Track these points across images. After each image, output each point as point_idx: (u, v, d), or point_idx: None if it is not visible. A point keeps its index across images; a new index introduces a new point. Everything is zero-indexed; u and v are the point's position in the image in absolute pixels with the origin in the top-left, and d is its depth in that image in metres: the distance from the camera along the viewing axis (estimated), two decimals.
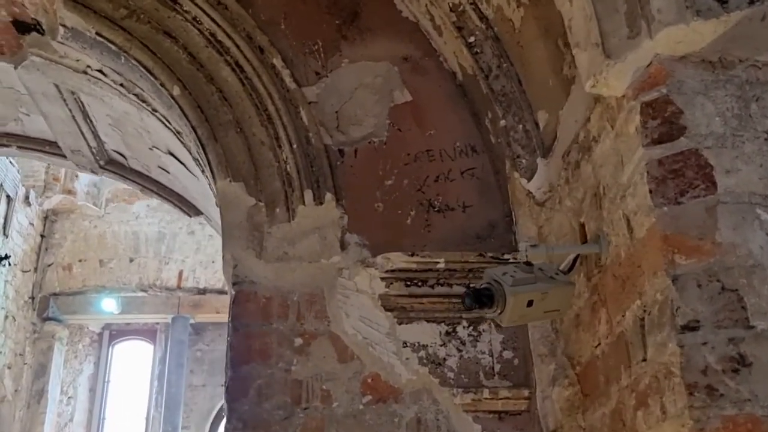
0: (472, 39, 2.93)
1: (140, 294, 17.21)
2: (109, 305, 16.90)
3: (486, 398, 2.66)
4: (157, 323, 19.28)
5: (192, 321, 17.65)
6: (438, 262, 2.77)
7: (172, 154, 3.93)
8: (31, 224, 16.23)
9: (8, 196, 14.28)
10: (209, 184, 3.34)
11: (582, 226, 2.27)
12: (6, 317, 14.79)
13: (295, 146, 2.93)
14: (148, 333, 20.05)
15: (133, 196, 18.14)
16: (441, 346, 2.75)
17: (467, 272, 2.79)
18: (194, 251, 17.83)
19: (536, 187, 2.72)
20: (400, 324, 2.77)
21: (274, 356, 2.71)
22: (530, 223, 2.78)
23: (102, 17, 3.13)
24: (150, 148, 4.08)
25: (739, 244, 1.63)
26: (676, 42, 1.77)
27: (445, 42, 3.14)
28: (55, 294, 16.50)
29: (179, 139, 3.43)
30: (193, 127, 3.03)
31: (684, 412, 1.56)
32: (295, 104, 3.01)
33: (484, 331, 2.78)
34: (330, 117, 3.07)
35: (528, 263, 2.10)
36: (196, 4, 3.12)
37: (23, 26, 3.48)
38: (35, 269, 16.57)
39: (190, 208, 4.44)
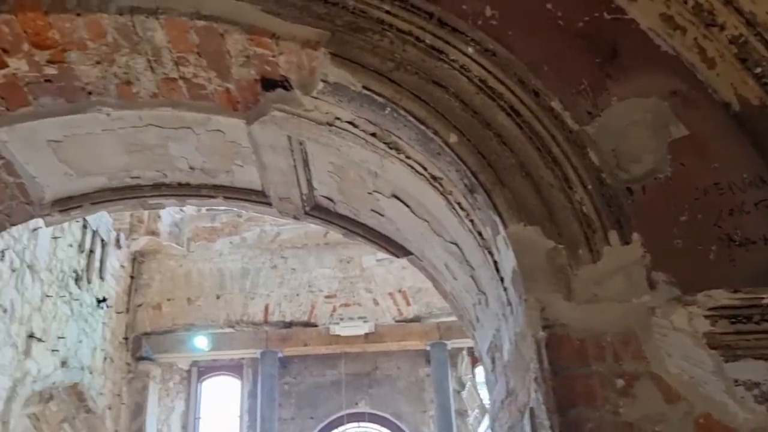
0: (758, 70, 2.93)
1: (228, 330, 17.35)
2: (201, 342, 17.04)
3: None
4: (243, 358, 19.47)
5: (280, 355, 17.67)
6: (763, 298, 2.74)
7: (397, 198, 3.97)
8: (122, 266, 16.51)
9: (102, 241, 14.56)
10: (471, 227, 3.36)
11: None
12: (105, 359, 15.07)
13: (589, 187, 2.95)
14: (234, 368, 20.24)
15: (213, 233, 18.41)
16: None
17: None
18: (278, 285, 17.90)
19: None
20: (726, 362, 2.73)
21: (599, 399, 2.69)
22: None
23: (370, 71, 3.20)
24: (369, 193, 4.13)
25: None
26: None
27: (718, 74, 3.13)
28: (146, 333, 16.72)
29: (432, 185, 3.46)
30: (473, 173, 3.06)
31: None
32: (581, 145, 3.03)
33: None
34: (608, 156, 3.07)
35: None
36: (463, 53, 3.17)
37: (270, 83, 3.55)
38: (127, 310, 16.86)
39: (398, 249, 4.48)
